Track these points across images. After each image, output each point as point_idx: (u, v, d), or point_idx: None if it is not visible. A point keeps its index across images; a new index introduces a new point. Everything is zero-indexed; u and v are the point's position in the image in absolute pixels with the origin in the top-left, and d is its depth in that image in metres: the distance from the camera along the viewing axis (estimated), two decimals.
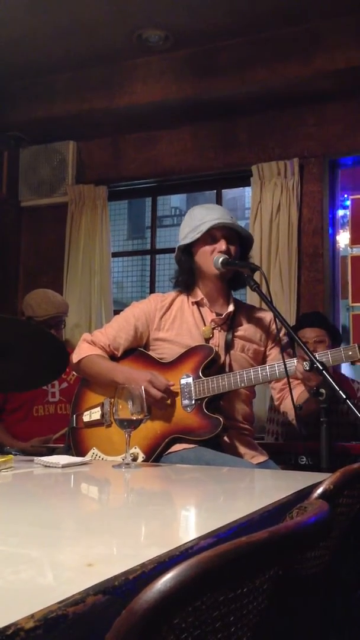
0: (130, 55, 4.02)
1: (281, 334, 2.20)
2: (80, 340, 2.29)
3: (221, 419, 2.04)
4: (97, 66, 4.15)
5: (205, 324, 2.20)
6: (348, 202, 3.96)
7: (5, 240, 4.73)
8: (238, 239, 2.21)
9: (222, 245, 2.15)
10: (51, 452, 2.43)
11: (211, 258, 2.15)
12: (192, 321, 2.21)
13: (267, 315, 2.28)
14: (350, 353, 1.94)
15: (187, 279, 2.25)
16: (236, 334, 2.22)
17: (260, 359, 2.25)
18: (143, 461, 2.08)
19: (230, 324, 2.22)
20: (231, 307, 2.22)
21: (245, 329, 2.24)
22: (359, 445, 2.60)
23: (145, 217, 7.14)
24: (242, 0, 3.44)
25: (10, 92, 4.36)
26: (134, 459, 2.04)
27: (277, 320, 2.08)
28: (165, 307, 2.24)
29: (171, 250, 4.80)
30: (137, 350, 2.25)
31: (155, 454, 2.09)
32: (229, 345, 2.19)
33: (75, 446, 2.24)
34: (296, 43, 3.72)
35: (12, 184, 4.67)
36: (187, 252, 2.23)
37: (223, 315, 2.21)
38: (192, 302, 2.24)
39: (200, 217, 2.18)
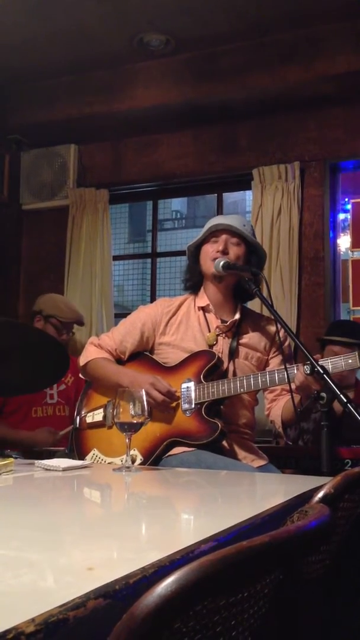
0: (131, 60, 4.03)
1: (285, 345, 2.20)
2: (87, 344, 2.31)
3: (219, 423, 2.04)
4: (98, 70, 4.16)
5: (210, 330, 2.20)
6: (349, 206, 3.98)
7: (6, 244, 4.73)
8: (245, 247, 2.21)
9: (220, 245, 2.15)
10: (52, 455, 2.43)
11: (211, 258, 2.16)
12: (197, 327, 2.22)
13: (274, 325, 2.26)
14: (350, 361, 1.93)
15: (193, 281, 2.28)
16: (241, 341, 2.22)
17: (263, 367, 2.24)
18: (141, 463, 2.09)
19: (235, 331, 2.22)
20: (237, 315, 2.22)
21: (250, 337, 2.24)
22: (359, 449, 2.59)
23: (146, 220, 7.15)
24: (243, 4, 3.45)
25: (11, 95, 4.38)
26: (132, 461, 2.04)
27: (279, 325, 2.08)
28: (171, 312, 2.25)
29: (172, 254, 4.85)
30: (142, 354, 2.26)
31: (154, 457, 2.09)
32: (232, 353, 2.19)
33: (77, 447, 2.26)
34: (297, 47, 3.73)
35: (14, 188, 4.68)
36: (196, 254, 2.26)
37: (228, 322, 2.21)
38: (199, 308, 2.24)
39: (212, 223, 2.21)
